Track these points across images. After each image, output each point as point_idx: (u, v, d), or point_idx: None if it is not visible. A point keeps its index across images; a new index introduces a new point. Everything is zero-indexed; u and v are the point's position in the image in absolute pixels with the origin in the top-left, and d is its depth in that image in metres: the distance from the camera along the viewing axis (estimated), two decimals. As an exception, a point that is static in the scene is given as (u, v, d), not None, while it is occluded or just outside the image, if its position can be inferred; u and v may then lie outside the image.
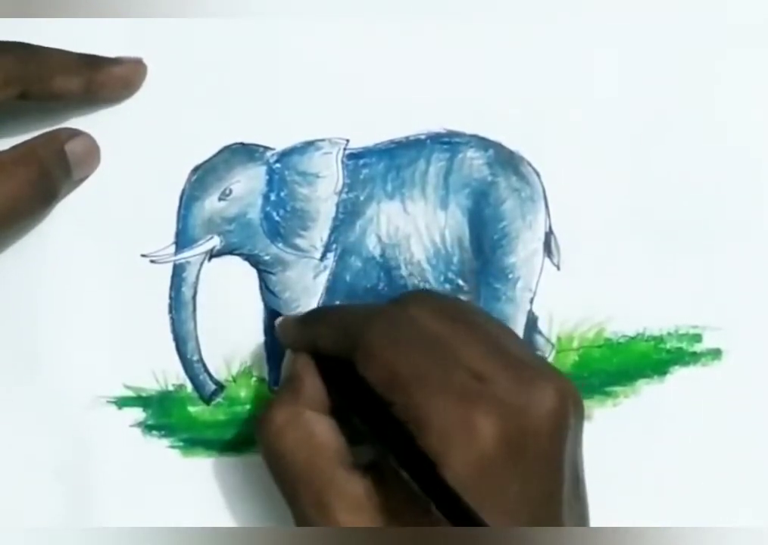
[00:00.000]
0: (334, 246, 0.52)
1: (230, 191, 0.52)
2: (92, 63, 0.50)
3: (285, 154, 0.52)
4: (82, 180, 0.51)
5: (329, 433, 0.44)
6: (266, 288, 0.52)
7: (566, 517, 0.41)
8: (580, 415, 0.43)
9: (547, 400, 0.41)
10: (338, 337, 0.45)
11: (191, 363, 0.51)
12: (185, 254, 0.52)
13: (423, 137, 0.52)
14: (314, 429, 0.44)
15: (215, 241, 0.52)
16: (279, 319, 0.49)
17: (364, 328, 0.43)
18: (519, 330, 0.52)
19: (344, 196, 0.52)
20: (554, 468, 0.41)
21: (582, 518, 0.42)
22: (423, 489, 0.40)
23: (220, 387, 0.52)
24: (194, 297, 0.52)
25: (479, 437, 0.40)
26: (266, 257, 0.52)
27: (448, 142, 0.52)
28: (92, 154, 0.51)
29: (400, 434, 0.41)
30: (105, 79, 0.50)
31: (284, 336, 0.49)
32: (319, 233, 0.52)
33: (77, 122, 0.52)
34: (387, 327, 0.43)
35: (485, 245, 0.52)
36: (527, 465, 0.40)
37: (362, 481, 0.43)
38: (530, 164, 0.52)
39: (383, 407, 0.42)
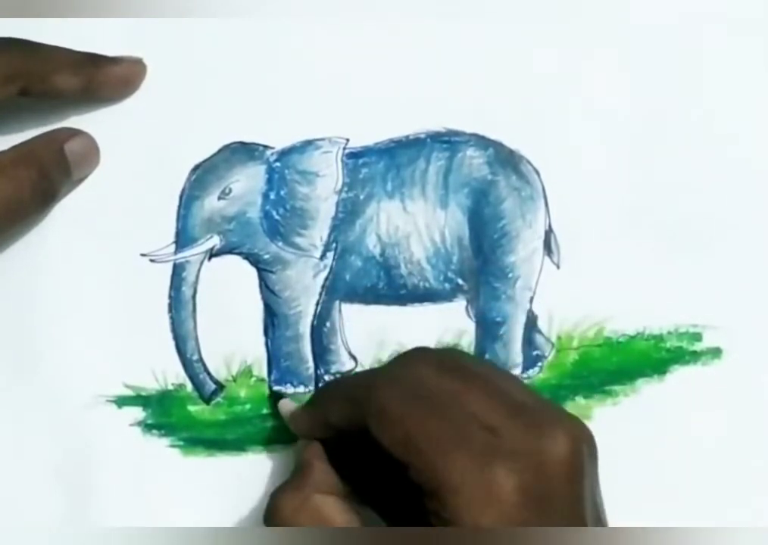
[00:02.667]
0: (334, 245, 0.52)
1: (230, 190, 0.52)
2: (92, 61, 0.50)
3: (285, 153, 0.52)
4: (81, 180, 0.52)
5: (341, 515, 0.43)
6: (266, 287, 0.52)
7: None
8: (594, 455, 0.43)
9: (560, 445, 0.41)
10: (348, 408, 0.44)
11: (191, 363, 0.51)
12: (185, 254, 0.52)
13: (422, 136, 0.52)
14: (325, 513, 0.43)
15: (215, 241, 0.52)
16: (289, 413, 0.49)
17: (373, 393, 0.43)
18: (519, 329, 0.52)
19: (344, 195, 0.52)
20: (576, 512, 0.41)
21: None
22: None
23: (220, 386, 0.52)
24: (194, 297, 0.52)
25: (500, 493, 0.40)
26: (266, 256, 0.52)
27: (448, 141, 0.52)
28: (91, 153, 0.51)
29: (417, 499, 0.41)
30: (105, 78, 0.50)
31: (295, 427, 0.48)
32: (319, 232, 0.52)
33: (77, 121, 0.52)
34: (395, 388, 0.43)
35: (485, 244, 0.52)
36: (550, 513, 0.40)
37: None
38: (530, 163, 0.52)
39: (400, 471, 0.42)
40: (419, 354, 0.46)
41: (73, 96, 0.50)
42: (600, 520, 0.42)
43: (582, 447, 0.42)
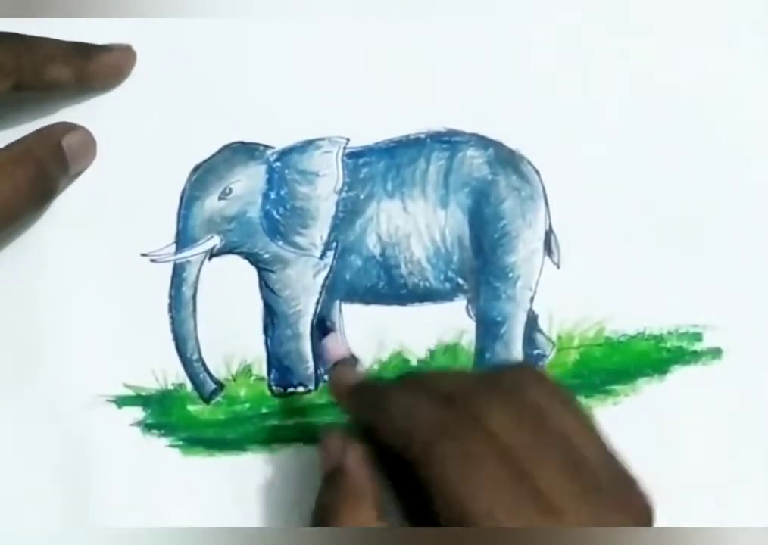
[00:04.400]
0: (334, 244, 0.52)
1: (230, 190, 0.52)
2: (82, 51, 0.50)
3: (285, 153, 0.52)
4: (78, 174, 0.51)
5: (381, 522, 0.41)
6: (266, 287, 0.52)
7: None
8: None
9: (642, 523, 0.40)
10: (404, 437, 0.40)
11: (190, 362, 0.51)
12: (186, 254, 0.52)
13: (423, 136, 0.52)
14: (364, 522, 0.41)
15: (215, 241, 0.52)
16: (331, 374, 0.47)
17: (435, 440, 0.39)
18: (520, 328, 0.52)
19: (344, 195, 0.52)
20: None
21: None
22: None
23: (220, 386, 0.52)
24: (194, 297, 0.52)
25: None
26: (266, 256, 0.52)
27: (448, 141, 0.52)
28: (88, 147, 0.51)
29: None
30: (97, 67, 0.51)
31: (337, 397, 0.46)
32: (319, 231, 0.52)
33: (77, 121, 0.52)
34: (460, 444, 0.39)
35: (485, 244, 0.52)
36: None
37: None
38: (530, 163, 0.52)
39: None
40: (501, 397, 0.41)
41: (66, 87, 0.50)
42: None
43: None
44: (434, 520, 0.40)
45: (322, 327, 0.52)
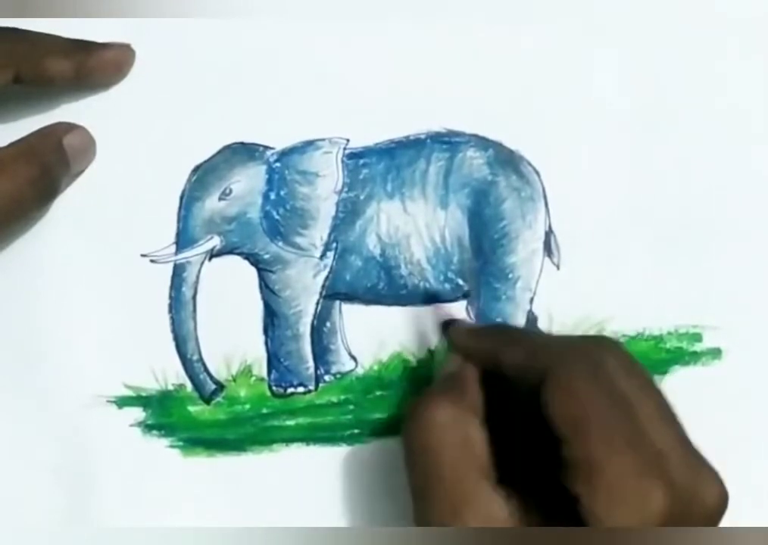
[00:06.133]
0: (334, 245, 0.52)
1: (230, 190, 0.52)
2: (82, 47, 0.50)
3: (285, 154, 0.52)
4: (79, 174, 0.52)
5: (482, 443, 0.43)
6: (266, 287, 0.52)
7: None
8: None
9: (713, 496, 0.41)
10: (526, 360, 0.43)
11: (191, 363, 0.51)
12: (186, 254, 0.52)
13: (423, 136, 0.52)
14: (470, 435, 0.43)
15: (215, 241, 0.52)
16: (451, 327, 0.49)
17: (560, 361, 0.42)
18: (520, 329, 0.52)
19: (344, 195, 0.52)
20: None
21: None
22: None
23: (220, 386, 0.52)
24: (194, 297, 0.52)
25: (649, 507, 0.39)
26: (266, 256, 0.52)
27: (448, 142, 0.52)
28: (89, 146, 0.51)
29: (558, 472, 0.41)
30: (96, 63, 0.51)
31: (457, 342, 0.48)
32: (319, 232, 0.52)
33: (78, 121, 0.52)
34: (583, 369, 0.42)
35: (485, 245, 0.52)
36: None
37: (501, 499, 0.42)
38: (530, 164, 0.52)
39: (551, 440, 0.41)
40: (614, 350, 0.44)
41: (65, 82, 0.50)
42: None
43: (725, 508, 0.42)
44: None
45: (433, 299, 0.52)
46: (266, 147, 0.52)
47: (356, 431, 0.52)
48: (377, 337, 0.52)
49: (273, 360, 0.52)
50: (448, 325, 0.50)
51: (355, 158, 0.52)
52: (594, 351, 0.43)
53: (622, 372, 0.43)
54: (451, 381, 0.46)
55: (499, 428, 0.44)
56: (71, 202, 0.52)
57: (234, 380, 0.52)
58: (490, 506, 0.42)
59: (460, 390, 0.45)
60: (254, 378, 0.52)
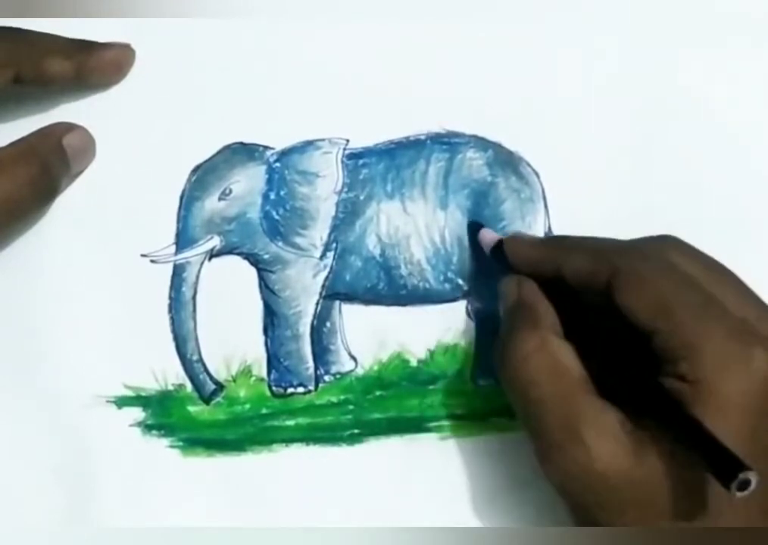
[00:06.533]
0: (334, 245, 0.52)
1: (230, 190, 0.52)
2: (82, 47, 0.51)
3: (285, 154, 0.52)
4: (78, 174, 0.52)
5: (575, 360, 0.43)
6: (265, 287, 0.52)
7: None
8: None
9: None
10: (590, 263, 0.44)
11: (190, 363, 0.51)
12: (186, 254, 0.52)
13: (422, 137, 0.52)
14: (560, 356, 0.43)
15: (215, 241, 0.52)
16: (500, 238, 0.49)
17: (627, 257, 0.44)
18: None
19: (344, 195, 0.52)
20: None
21: None
22: (672, 425, 0.40)
23: (220, 386, 0.52)
24: (194, 297, 0.52)
25: (757, 369, 0.40)
26: (266, 256, 0.52)
27: (448, 142, 0.52)
28: (88, 146, 0.51)
29: (652, 367, 0.42)
30: (96, 63, 0.51)
31: (515, 257, 0.48)
32: (319, 232, 0.52)
33: (77, 121, 0.52)
34: (651, 262, 0.43)
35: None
36: None
37: (612, 408, 0.42)
38: (529, 165, 0.52)
39: (639, 336, 0.42)
40: (672, 242, 0.45)
41: (66, 82, 0.50)
42: None
43: None
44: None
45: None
46: (266, 148, 0.52)
47: (356, 431, 0.52)
48: (377, 337, 0.52)
49: (272, 360, 0.52)
50: (499, 246, 0.50)
51: (355, 158, 0.52)
52: (657, 246, 0.45)
53: (688, 259, 0.44)
54: (522, 309, 0.46)
55: (579, 337, 0.44)
56: (71, 202, 0.52)
57: (234, 380, 0.52)
58: (604, 414, 0.42)
59: (534, 315, 0.45)
60: (253, 379, 0.52)
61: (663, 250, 0.44)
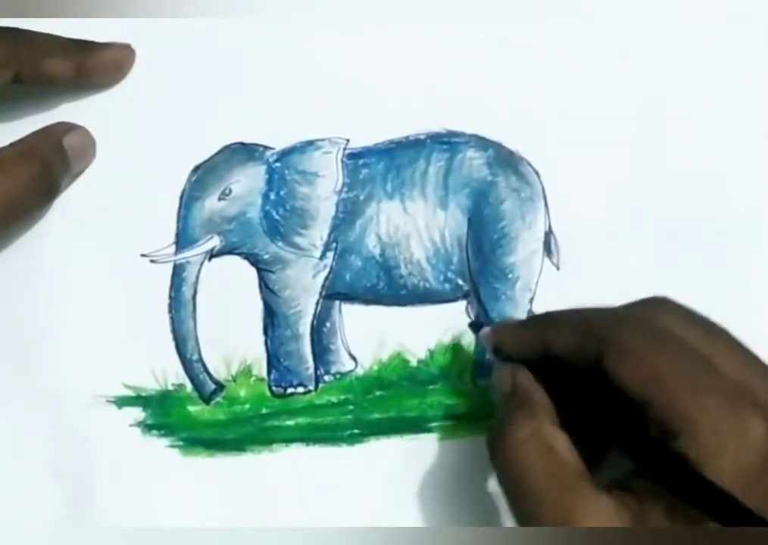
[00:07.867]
0: (334, 245, 0.52)
1: (230, 190, 0.52)
2: (82, 47, 0.51)
3: (285, 154, 0.52)
4: (79, 174, 0.52)
5: (569, 448, 0.43)
6: (265, 287, 0.52)
7: None
8: None
9: None
10: (577, 338, 0.43)
11: (190, 363, 0.51)
12: (186, 254, 0.52)
13: (422, 137, 0.52)
14: (555, 444, 0.43)
15: (215, 241, 0.52)
16: (489, 329, 0.48)
17: (615, 328, 0.42)
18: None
19: (344, 195, 0.52)
20: None
21: None
22: (683, 494, 0.39)
23: (220, 386, 0.52)
24: (194, 297, 0.52)
25: (754, 437, 0.40)
26: (266, 256, 0.52)
27: (448, 142, 0.52)
28: (88, 146, 0.51)
29: (650, 438, 0.41)
30: (96, 63, 0.51)
31: (501, 344, 0.47)
32: (319, 232, 0.52)
33: (78, 121, 0.52)
34: (640, 329, 0.42)
35: (485, 245, 0.52)
36: None
37: (609, 497, 0.41)
38: (530, 164, 0.52)
39: (633, 409, 0.41)
40: (661, 303, 0.44)
41: (66, 81, 0.50)
42: None
43: None
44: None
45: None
46: (266, 147, 0.52)
47: (356, 431, 0.52)
48: (377, 337, 0.52)
49: (272, 360, 0.52)
50: (479, 328, 0.49)
51: (355, 158, 0.52)
52: (645, 312, 0.43)
53: (679, 320, 0.43)
54: (517, 398, 0.45)
55: (572, 420, 0.44)
56: (71, 202, 0.52)
57: (234, 380, 0.52)
58: (601, 504, 0.41)
59: (529, 403, 0.44)
60: (253, 378, 0.52)
61: (652, 315, 0.43)
